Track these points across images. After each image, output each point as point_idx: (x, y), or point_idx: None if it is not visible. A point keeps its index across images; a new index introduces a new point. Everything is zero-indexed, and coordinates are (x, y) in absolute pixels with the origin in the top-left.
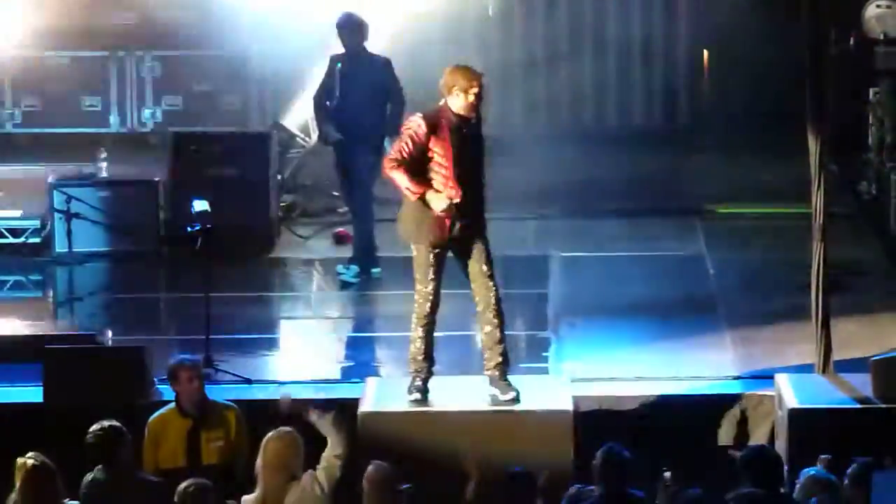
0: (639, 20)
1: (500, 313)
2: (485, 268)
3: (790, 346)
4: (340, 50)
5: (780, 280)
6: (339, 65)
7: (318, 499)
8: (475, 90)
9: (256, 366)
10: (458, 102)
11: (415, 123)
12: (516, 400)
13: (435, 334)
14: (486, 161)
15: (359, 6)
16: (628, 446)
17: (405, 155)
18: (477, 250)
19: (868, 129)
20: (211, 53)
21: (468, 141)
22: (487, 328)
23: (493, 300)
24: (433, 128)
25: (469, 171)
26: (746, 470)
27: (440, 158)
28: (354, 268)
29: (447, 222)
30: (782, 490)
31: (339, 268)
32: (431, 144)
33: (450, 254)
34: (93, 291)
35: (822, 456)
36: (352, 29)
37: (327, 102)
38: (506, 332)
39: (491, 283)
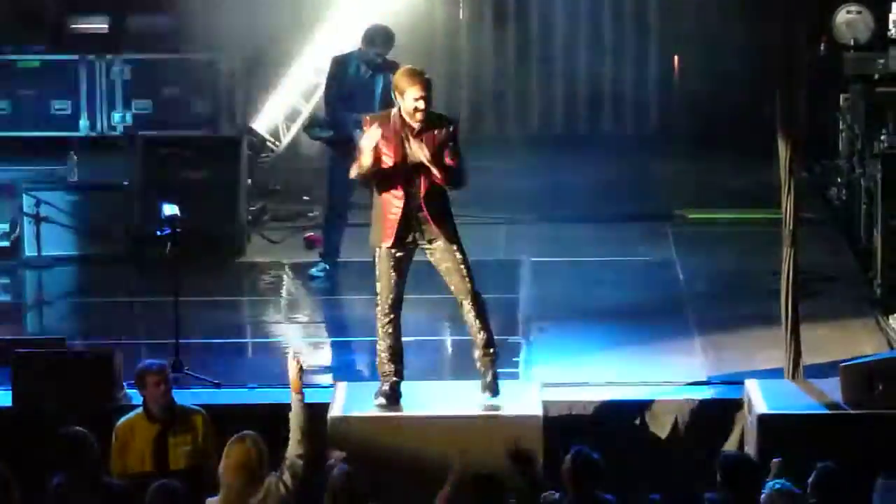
0: (609, 26)
1: (478, 298)
2: (458, 258)
3: (760, 352)
4: (339, 51)
5: (749, 285)
6: (354, 63)
7: (283, 499)
8: (416, 94)
9: (225, 370)
10: (403, 106)
11: (364, 122)
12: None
13: (403, 339)
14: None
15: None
16: (598, 451)
17: (358, 155)
18: (446, 248)
19: (838, 134)
20: (181, 58)
21: (416, 145)
22: (469, 318)
23: (469, 289)
24: (382, 128)
25: (418, 175)
26: (723, 474)
27: (387, 160)
28: (324, 264)
29: (395, 225)
30: (757, 497)
31: (314, 270)
32: (380, 146)
33: (428, 258)
34: (62, 295)
35: (774, 460)
36: (378, 40)
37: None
38: (489, 322)
39: (465, 274)
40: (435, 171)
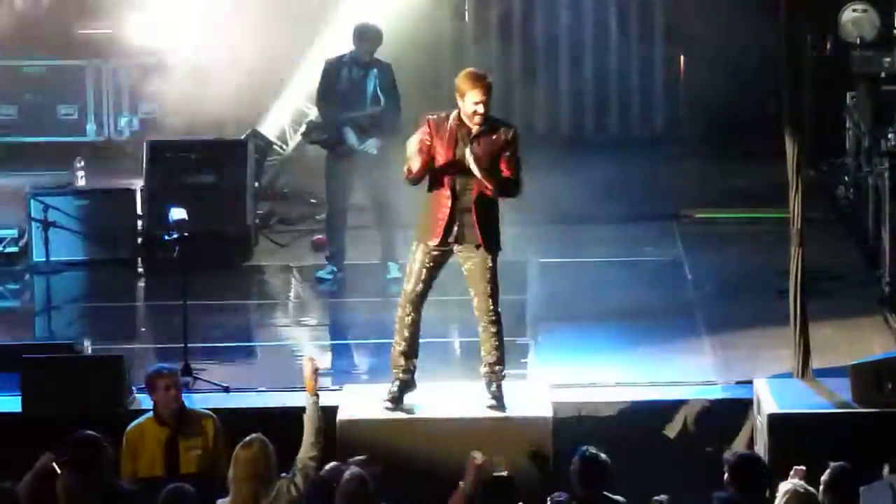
0: (615, 26)
1: (496, 325)
2: (487, 277)
3: (768, 351)
4: (333, 54)
5: (758, 285)
6: (347, 70)
7: (294, 502)
8: (476, 98)
9: (235, 374)
10: (462, 108)
11: (423, 121)
12: (496, 408)
13: (420, 339)
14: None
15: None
16: (608, 452)
17: (416, 149)
18: (481, 262)
19: (845, 133)
20: (187, 61)
21: (473, 148)
22: (484, 337)
23: (490, 312)
24: (437, 129)
25: (471, 178)
26: (734, 474)
27: (440, 160)
28: (332, 266)
29: (443, 224)
30: (766, 496)
31: (321, 273)
32: (435, 145)
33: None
34: (70, 300)
35: (797, 467)
36: (365, 37)
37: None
38: (503, 343)
39: (490, 296)
40: (481, 178)
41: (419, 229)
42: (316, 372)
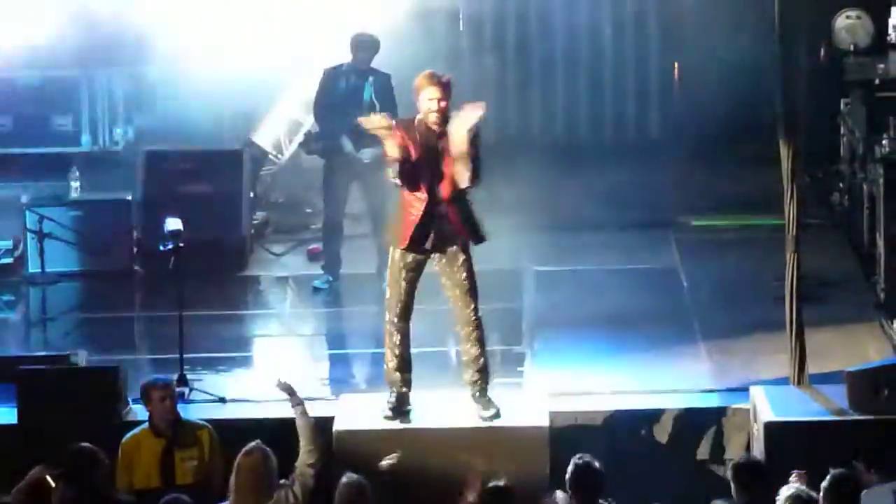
0: (609, 33)
1: (477, 330)
2: (464, 284)
3: (765, 358)
4: (330, 63)
5: (754, 291)
6: (344, 79)
7: None
8: (430, 94)
9: (231, 384)
10: (419, 107)
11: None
12: (496, 416)
13: (412, 349)
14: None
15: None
16: (604, 460)
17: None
18: (456, 266)
19: (840, 139)
20: (182, 71)
21: (439, 151)
22: (465, 345)
23: (471, 317)
24: (406, 131)
25: (441, 179)
26: (736, 480)
27: (410, 162)
28: (328, 276)
29: (418, 226)
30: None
31: (317, 282)
32: (407, 146)
33: (436, 269)
34: (66, 311)
35: (798, 471)
36: (362, 46)
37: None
38: (486, 348)
39: (469, 300)
40: (461, 166)
41: (391, 233)
42: (291, 390)
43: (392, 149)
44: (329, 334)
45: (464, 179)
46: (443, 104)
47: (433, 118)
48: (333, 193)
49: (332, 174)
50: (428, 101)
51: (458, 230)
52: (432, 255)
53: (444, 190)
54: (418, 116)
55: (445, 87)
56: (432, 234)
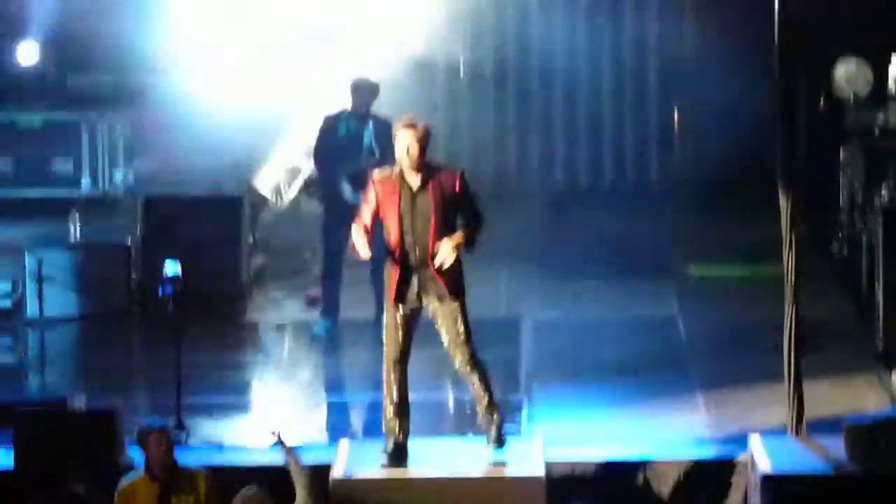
0: (610, 80)
1: (477, 367)
2: (459, 329)
3: (763, 408)
4: (331, 110)
5: (752, 341)
6: (344, 124)
7: None
8: (402, 140)
9: (228, 430)
10: (397, 152)
11: (369, 181)
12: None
13: (410, 397)
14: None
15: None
16: None
17: (361, 213)
18: (449, 313)
19: (839, 188)
20: (181, 116)
21: (419, 199)
22: (470, 376)
23: (467, 356)
24: (383, 184)
25: (424, 232)
26: None
27: (390, 217)
28: (326, 322)
29: (401, 279)
30: None
31: (316, 328)
32: (382, 201)
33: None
34: (64, 354)
35: None
36: (362, 91)
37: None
38: (489, 377)
39: (464, 346)
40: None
41: (385, 286)
42: (284, 445)
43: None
44: (327, 380)
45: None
46: (413, 149)
47: (406, 163)
48: (332, 239)
49: (331, 220)
50: (401, 146)
51: (440, 284)
52: (425, 305)
53: (429, 242)
54: (398, 167)
55: (418, 132)
56: (416, 287)
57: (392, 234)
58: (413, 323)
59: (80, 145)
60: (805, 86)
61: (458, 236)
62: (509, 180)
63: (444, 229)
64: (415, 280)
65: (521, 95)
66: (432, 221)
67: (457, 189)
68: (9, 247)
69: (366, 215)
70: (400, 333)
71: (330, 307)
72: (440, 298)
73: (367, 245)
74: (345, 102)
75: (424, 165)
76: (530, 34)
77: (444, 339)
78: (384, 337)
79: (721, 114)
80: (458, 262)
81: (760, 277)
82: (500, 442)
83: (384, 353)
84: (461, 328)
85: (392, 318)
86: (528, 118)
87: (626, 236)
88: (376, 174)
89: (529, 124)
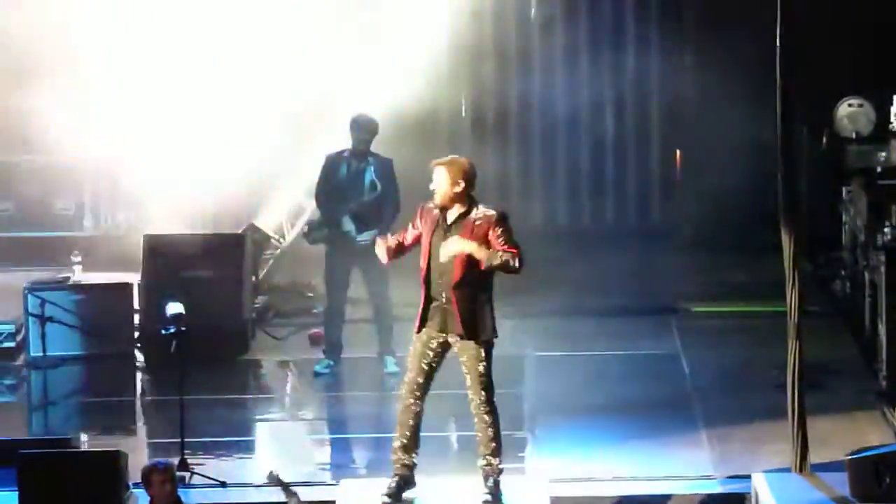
0: (611, 120)
1: (492, 414)
2: (475, 371)
3: (766, 445)
4: (333, 149)
5: (755, 379)
6: (345, 162)
7: None
8: (435, 176)
9: (232, 469)
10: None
11: (418, 208)
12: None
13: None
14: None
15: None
16: None
17: (404, 232)
18: (474, 353)
19: (841, 227)
20: (185, 156)
21: (451, 235)
22: (479, 427)
23: (484, 400)
24: (427, 214)
25: (451, 265)
26: None
27: (424, 246)
28: (329, 360)
29: (425, 311)
30: None
31: (318, 367)
32: (422, 229)
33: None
34: (67, 395)
35: None
36: (362, 128)
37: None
38: (499, 427)
39: (479, 388)
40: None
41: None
42: (282, 484)
43: (393, 239)
44: (330, 419)
45: (507, 269)
46: (440, 186)
47: (435, 200)
48: (335, 278)
49: (333, 259)
50: (433, 182)
51: (457, 320)
52: (451, 339)
53: (453, 278)
54: None
55: (444, 169)
56: (439, 320)
57: (423, 263)
58: (436, 355)
59: (82, 186)
60: (807, 125)
61: (482, 249)
62: (512, 219)
63: (472, 268)
64: (437, 312)
65: (523, 135)
66: (457, 258)
67: (489, 229)
68: (12, 287)
69: (406, 235)
70: (419, 362)
71: (332, 346)
72: (462, 336)
73: (385, 253)
74: (346, 142)
75: (463, 202)
76: (532, 76)
77: (466, 377)
78: (408, 365)
79: (723, 153)
80: (482, 307)
81: (763, 315)
82: (495, 498)
83: (404, 381)
84: (482, 371)
85: (415, 346)
86: (530, 158)
87: (629, 274)
88: (423, 204)
89: (532, 164)
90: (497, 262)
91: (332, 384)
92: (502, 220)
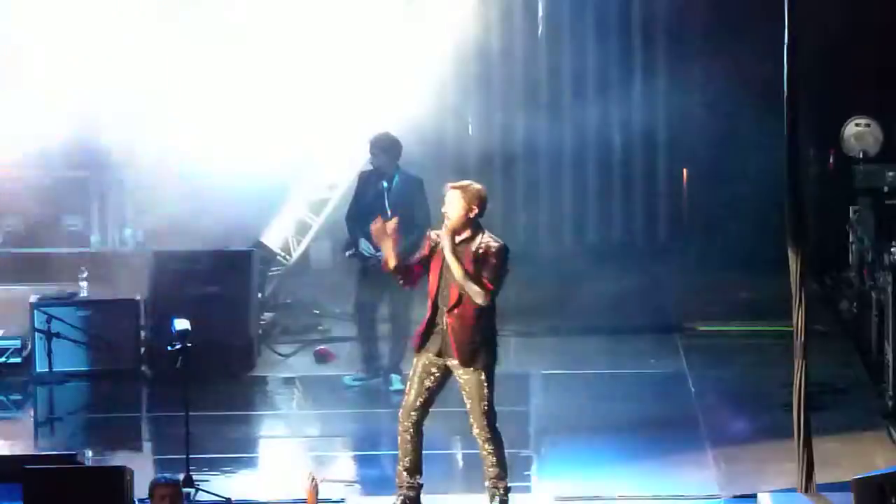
0: (618, 137)
1: (493, 440)
2: (475, 395)
3: (772, 465)
4: (337, 167)
5: (761, 398)
6: (372, 183)
7: None
8: (447, 199)
9: (237, 485)
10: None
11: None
12: None
13: (423, 451)
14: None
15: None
16: None
17: (417, 257)
18: (474, 380)
19: (848, 246)
20: (192, 173)
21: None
22: (483, 452)
23: (485, 426)
24: (436, 240)
25: (450, 294)
26: None
27: (432, 270)
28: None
29: (424, 331)
30: None
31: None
32: (434, 253)
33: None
34: (73, 411)
35: None
36: (379, 148)
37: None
38: (501, 456)
39: (478, 412)
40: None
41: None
42: (316, 488)
43: (388, 253)
44: (336, 436)
45: (473, 296)
46: (450, 210)
47: (445, 223)
48: (365, 295)
49: (364, 276)
50: (443, 209)
51: (453, 346)
52: (450, 364)
53: (450, 300)
54: None
55: (455, 193)
56: (440, 344)
57: (430, 286)
58: (436, 378)
59: (90, 202)
60: (814, 144)
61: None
62: (518, 238)
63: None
64: (438, 336)
65: (529, 154)
66: (454, 284)
67: (489, 259)
68: (18, 303)
69: (416, 257)
70: (420, 384)
71: (368, 358)
72: (463, 363)
73: (390, 254)
74: (351, 160)
75: (470, 228)
76: (539, 96)
77: (467, 403)
78: (407, 387)
79: (729, 172)
80: (480, 333)
81: (769, 335)
82: None
83: (403, 403)
84: (483, 398)
85: (415, 368)
86: (536, 177)
87: (636, 293)
88: (436, 231)
89: (538, 183)
90: (463, 282)
91: (338, 401)
92: (500, 253)
